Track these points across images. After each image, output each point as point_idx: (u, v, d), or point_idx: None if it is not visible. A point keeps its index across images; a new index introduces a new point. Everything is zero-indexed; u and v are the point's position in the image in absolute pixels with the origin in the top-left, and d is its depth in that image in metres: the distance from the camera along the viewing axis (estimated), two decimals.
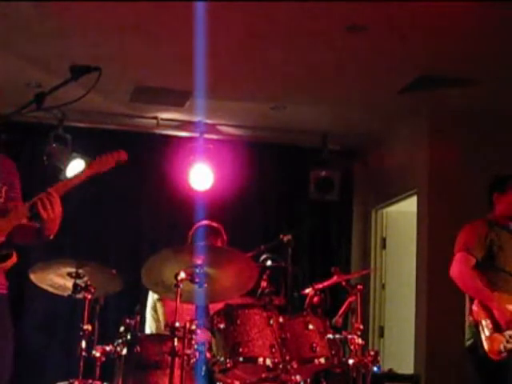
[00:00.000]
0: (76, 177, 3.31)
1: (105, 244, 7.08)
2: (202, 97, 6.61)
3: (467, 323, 4.54)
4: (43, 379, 6.42)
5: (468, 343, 4.49)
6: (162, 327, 4.89)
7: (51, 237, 3.29)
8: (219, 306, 4.43)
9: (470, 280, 4.49)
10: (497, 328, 4.35)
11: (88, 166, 3.38)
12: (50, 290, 4.51)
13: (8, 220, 3.12)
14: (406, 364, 6.80)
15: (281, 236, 4.99)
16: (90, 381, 4.26)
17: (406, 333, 6.98)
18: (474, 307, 4.44)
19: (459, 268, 4.54)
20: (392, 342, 7.50)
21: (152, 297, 5.02)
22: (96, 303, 4.55)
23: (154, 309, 5.00)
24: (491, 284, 4.48)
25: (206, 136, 7.33)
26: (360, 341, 4.30)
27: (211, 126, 7.38)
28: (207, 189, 6.91)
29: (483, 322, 4.37)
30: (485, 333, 4.35)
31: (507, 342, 4.31)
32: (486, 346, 4.33)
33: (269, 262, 5.11)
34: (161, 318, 4.96)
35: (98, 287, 4.41)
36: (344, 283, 4.62)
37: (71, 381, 4.26)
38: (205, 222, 5.10)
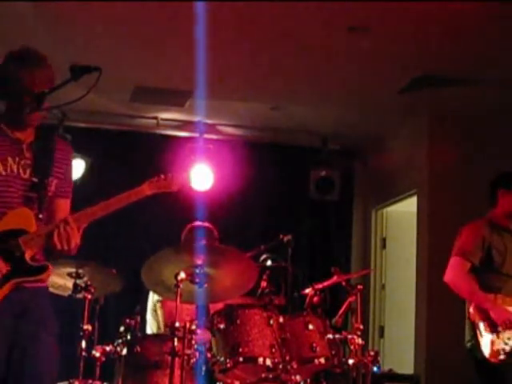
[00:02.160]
0: (107, 206, 3.08)
1: (105, 244, 7.08)
2: (202, 97, 6.60)
3: (467, 324, 4.53)
4: None
5: (468, 345, 4.48)
6: (162, 328, 4.90)
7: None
8: (219, 306, 4.43)
9: (463, 284, 4.48)
10: (494, 329, 4.33)
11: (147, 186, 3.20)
12: (50, 289, 4.49)
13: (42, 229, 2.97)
14: (406, 364, 6.79)
15: (281, 236, 5.00)
16: (90, 381, 4.26)
17: (406, 333, 6.98)
18: (471, 310, 4.43)
19: (452, 273, 4.54)
20: (392, 342, 7.50)
21: (152, 298, 5.02)
22: (96, 303, 4.55)
23: (154, 310, 5.01)
24: (492, 286, 4.47)
25: (206, 136, 7.33)
26: (360, 341, 4.30)
27: (211, 126, 7.38)
28: (207, 189, 6.91)
29: (480, 325, 4.37)
30: (482, 336, 4.35)
31: (505, 344, 4.30)
32: (483, 349, 4.32)
33: (269, 262, 5.12)
34: (160, 318, 4.96)
35: (98, 287, 4.41)
36: (344, 283, 4.62)
37: (71, 381, 4.27)
38: (197, 223, 5.09)
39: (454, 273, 4.52)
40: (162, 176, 3.27)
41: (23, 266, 2.91)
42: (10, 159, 2.96)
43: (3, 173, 2.94)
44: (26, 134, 3.04)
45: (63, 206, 3.13)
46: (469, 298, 4.48)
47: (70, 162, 3.19)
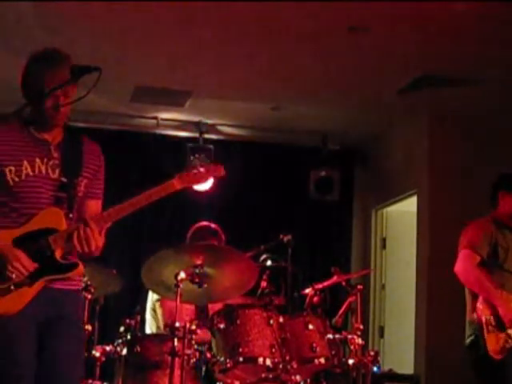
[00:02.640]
0: (133, 203, 3.03)
1: (105, 244, 7.07)
2: (202, 97, 6.62)
3: (468, 320, 4.53)
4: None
5: (468, 340, 4.48)
6: (162, 328, 4.89)
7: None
8: (218, 306, 4.43)
9: (475, 277, 4.48)
10: (500, 326, 4.34)
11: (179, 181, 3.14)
12: None
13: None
14: (406, 364, 6.80)
15: (281, 236, 4.99)
16: (90, 381, 4.26)
17: (406, 333, 6.99)
18: (479, 305, 4.42)
19: (463, 265, 4.52)
20: (392, 342, 7.50)
21: (151, 297, 5.02)
22: (96, 303, 4.55)
23: (153, 309, 5.00)
24: (496, 283, 4.47)
25: (206, 136, 7.33)
26: (360, 341, 4.30)
27: (211, 126, 7.38)
28: (207, 189, 6.91)
29: (487, 321, 4.36)
30: (488, 331, 4.34)
31: (506, 342, 4.31)
32: (488, 344, 4.32)
33: (269, 262, 5.11)
34: (160, 318, 4.96)
35: (97, 287, 4.41)
36: (344, 283, 4.62)
37: None
38: (203, 224, 5.09)
39: (465, 265, 4.51)
40: (193, 170, 3.22)
41: (53, 265, 2.90)
42: (37, 160, 2.96)
43: (31, 174, 2.94)
44: (52, 134, 3.03)
45: (94, 207, 3.13)
46: (478, 290, 4.46)
47: (100, 163, 3.18)
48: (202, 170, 3.24)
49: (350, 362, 4.24)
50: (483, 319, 4.37)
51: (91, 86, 2.87)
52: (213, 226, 5.05)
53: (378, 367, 5.14)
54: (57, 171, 2.98)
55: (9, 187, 2.91)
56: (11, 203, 2.92)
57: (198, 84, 6.35)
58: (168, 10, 5.00)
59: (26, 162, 2.94)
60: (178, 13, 5.01)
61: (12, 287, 2.83)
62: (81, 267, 3.00)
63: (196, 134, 7.33)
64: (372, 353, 4.34)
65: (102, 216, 3.01)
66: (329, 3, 4.80)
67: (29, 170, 2.94)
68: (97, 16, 5.14)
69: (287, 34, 5.34)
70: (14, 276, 2.81)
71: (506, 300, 4.41)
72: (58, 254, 2.92)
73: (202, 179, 3.25)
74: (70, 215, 2.98)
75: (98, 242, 2.94)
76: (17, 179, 2.92)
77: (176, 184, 3.15)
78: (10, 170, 2.92)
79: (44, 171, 2.96)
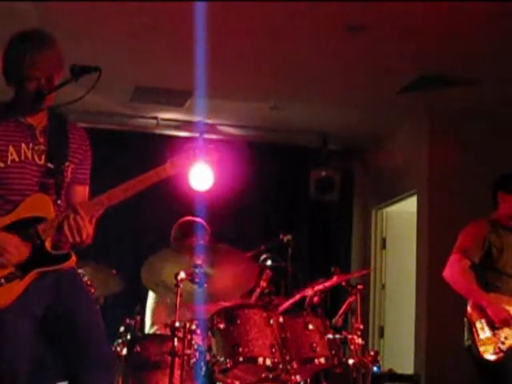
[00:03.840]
0: (124, 189, 2.93)
1: (105, 244, 7.07)
2: (202, 97, 6.61)
3: (466, 324, 4.53)
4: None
5: (466, 344, 4.49)
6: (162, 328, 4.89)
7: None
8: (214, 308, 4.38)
9: (462, 281, 4.50)
10: (491, 327, 4.34)
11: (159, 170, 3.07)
12: None
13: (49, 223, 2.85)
14: (406, 364, 6.79)
15: (281, 236, 4.99)
16: None
17: (406, 333, 6.99)
18: (468, 309, 4.45)
19: (451, 270, 4.56)
20: (392, 342, 7.50)
21: (152, 297, 5.01)
22: (96, 303, 4.55)
23: (154, 308, 4.99)
24: (491, 285, 4.48)
25: (206, 136, 7.32)
26: (360, 341, 4.29)
27: (211, 126, 7.38)
28: (207, 189, 6.91)
29: (477, 324, 4.37)
30: (479, 335, 4.35)
31: (502, 343, 4.31)
32: (480, 348, 4.33)
33: (269, 262, 5.11)
34: (160, 317, 4.95)
35: (97, 287, 4.41)
36: (344, 283, 4.62)
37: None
38: (187, 218, 5.06)
39: (453, 270, 4.54)
40: (183, 154, 3.17)
41: (44, 255, 2.83)
42: (23, 145, 2.87)
43: (17, 159, 2.85)
44: (37, 118, 2.93)
45: (81, 192, 3.04)
46: (466, 295, 4.49)
47: (87, 148, 3.07)
48: (192, 154, 3.20)
49: (350, 362, 4.24)
50: (473, 324, 4.38)
51: (91, 85, 2.86)
52: (197, 219, 5.02)
53: (378, 367, 5.14)
54: (43, 157, 2.89)
55: None
56: None
57: (198, 84, 6.35)
58: (168, 10, 5.00)
59: (11, 148, 2.84)
60: (178, 13, 5.01)
61: (2, 281, 2.74)
62: (73, 258, 2.93)
63: (196, 134, 7.33)
64: (372, 353, 4.34)
65: (92, 203, 2.92)
66: (328, 3, 4.80)
67: (14, 155, 2.84)
68: (96, 16, 5.13)
69: (287, 33, 5.34)
70: (6, 262, 2.73)
71: (496, 301, 4.41)
72: (47, 244, 2.83)
73: (193, 161, 3.18)
74: (58, 202, 2.90)
75: (88, 229, 2.85)
76: (2, 165, 2.82)
77: (168, 169, 3.11)
78: None
79: (30, 156, 2.87)
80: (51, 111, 2.99)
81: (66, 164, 2.95)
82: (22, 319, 2.79)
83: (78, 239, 2.83)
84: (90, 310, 3.00)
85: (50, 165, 2.89)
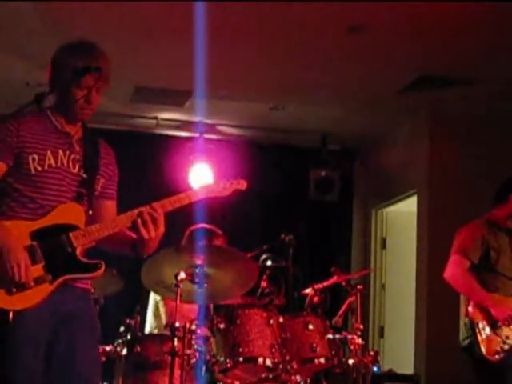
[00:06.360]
0: (185, 198, 3.09)
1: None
2: (202, 97, 6.60)
3: (462, 323, 4.53)
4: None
5: (464, 344, 4.49)
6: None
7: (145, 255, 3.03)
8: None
9: (464, 282, 4.50)
10: (494, 327, 4.35)
11: (204, 189, 3.17)
12: None
13: (103, 227, 2.87)
14: (406, 364, 6.79)
15: (282, 236, 4.99)
16: None
17: (406, 333, 6.98)
18: (470, 309, 4.44)
19: (452, 270, 4.55)
20: (392, 342, 7.50)
21: (154, 297, 5.02)
22: (96, 303, 4.54)
23: (156, 308, 5.00)
24: (489, 286, 4.48)
25: (206, 136, 7.33)
26: (360, 341, 4.30)
27: (211, 126, 7.38)
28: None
29: (480, 324, 4.37)
30: (481, 334, 4.35)
31: (504, 342, 4.31)
32: (482, 347, 4.32)
33: (269, 262, 5.11)
34: (163, 316, 4.96)
35: (97, 287, 4.40)
36: (344, 283, 4.63)
37: None
38: (199, 225, 5.06)
39: (454, 270, 4.54)
40: (219, 182, 3.22)
41: (75, 262, 2.82)
42: (60, 152, 2.89)
43: (54, 165, 2.86)
44: (74, 128, 2.97)
45: (110, 207, 3.06)
46: (468, 295, 4.49)
47: (114, 166, 3.11)
48: (223, 183, 3.23)
49: (350, 362, 4.25)
50: (475, 323, 4.38)
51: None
52: (208, 226, 5.01)
53: (378, 367, 5.15)
54: (77, 166, 2.91)
55: (30, 175, 2.82)
56: (28, 192, 2.82)
57: (198, 84, 6.35)
58: (167, 10, 5.00)
59: (49, 153, 2.86)
60: (178, 13, 5.01)
61: (32, 283, 2.72)
62: (102, 268, 2.92)
63: (196, 134, 7.33)
64: (372, 353, 4.35)
65: (165, 202, 3.00)
66: (328, 3, 4.80)
67: (52, 160, 2.85)
68: (96, 16, 5.13)
69: (287, 34, 5.34)
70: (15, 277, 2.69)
71: (499, 301, 4.41)
72: (78, 252, 2.83)
73: (224, 191, 3.23)
74: (90, 212, 2.91)
75: (163, 227, 2.93)
76: (39, 168, 2.83)
77: (199, 194, 3.19)
78: (33, 159, 2.82)
79: (66, 164, 2.89)
80: (84, 125, 3.05)
81: (97, 177, 2.98)
82: (41, 322, 2.78)
83: (152, 234, 2.89)
84: (92, 349, 2.94)
85: (84, 174, 2.92)
